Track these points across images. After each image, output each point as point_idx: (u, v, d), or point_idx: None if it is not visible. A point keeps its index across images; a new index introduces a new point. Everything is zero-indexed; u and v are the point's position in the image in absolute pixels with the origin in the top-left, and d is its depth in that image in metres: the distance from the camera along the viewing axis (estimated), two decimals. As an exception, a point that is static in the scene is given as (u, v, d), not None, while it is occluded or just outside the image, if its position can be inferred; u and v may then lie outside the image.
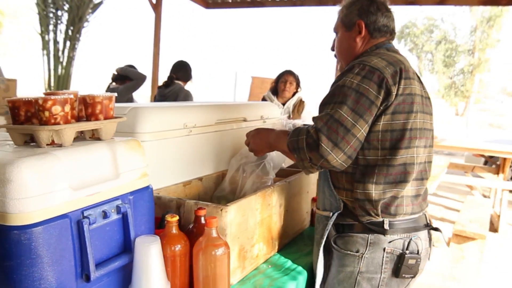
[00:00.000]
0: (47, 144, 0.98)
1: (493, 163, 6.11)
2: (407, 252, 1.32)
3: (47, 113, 0.97)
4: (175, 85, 3.72)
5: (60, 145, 0.98)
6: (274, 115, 2.31)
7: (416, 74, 1.41)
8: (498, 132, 16.65)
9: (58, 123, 0.98)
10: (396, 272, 1.33)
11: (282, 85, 3.93)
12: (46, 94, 1.08)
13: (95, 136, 1.08)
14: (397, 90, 1.27)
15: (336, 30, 1.55)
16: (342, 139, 1.22)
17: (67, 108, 0.99)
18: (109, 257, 1.00)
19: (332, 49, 1.60)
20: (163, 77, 5.63)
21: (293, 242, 1.73)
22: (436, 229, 1.43)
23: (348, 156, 1.25)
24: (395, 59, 1.35)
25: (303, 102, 3.98)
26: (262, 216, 1.46)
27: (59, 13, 7.06)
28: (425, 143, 1.37)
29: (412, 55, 24.16)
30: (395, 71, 1.29)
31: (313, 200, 1.92)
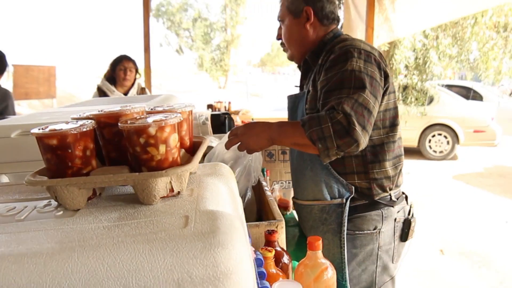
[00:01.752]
0: (162, 197, 0.62)
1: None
2: (409, 217, 1.43)
3: (162, 148, 0.61)
4: None
5: (178, 194, 0.64)
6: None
7: None
8: (258, 100, 18.77)
9: (176, 161, 0.63)
10: (403, 237, 1.42)
11: (122, 73, 3.41)
12: (107, 115, 0.68)
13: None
14: (389, 71, 1.34)
15: (281, 18, 1.49)
16: (368, 122, 1.20)
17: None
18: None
19: (278, 38, 1.53)
20: None
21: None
22: (403, 193, 1.55)
23: (369, 137, 1.23)
24: (369, 44, 1.41)
25: (144, 89, 3.60)
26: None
27: None
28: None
29: (171, 33, 24.72)
30: (379, 54, 1.34)
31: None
